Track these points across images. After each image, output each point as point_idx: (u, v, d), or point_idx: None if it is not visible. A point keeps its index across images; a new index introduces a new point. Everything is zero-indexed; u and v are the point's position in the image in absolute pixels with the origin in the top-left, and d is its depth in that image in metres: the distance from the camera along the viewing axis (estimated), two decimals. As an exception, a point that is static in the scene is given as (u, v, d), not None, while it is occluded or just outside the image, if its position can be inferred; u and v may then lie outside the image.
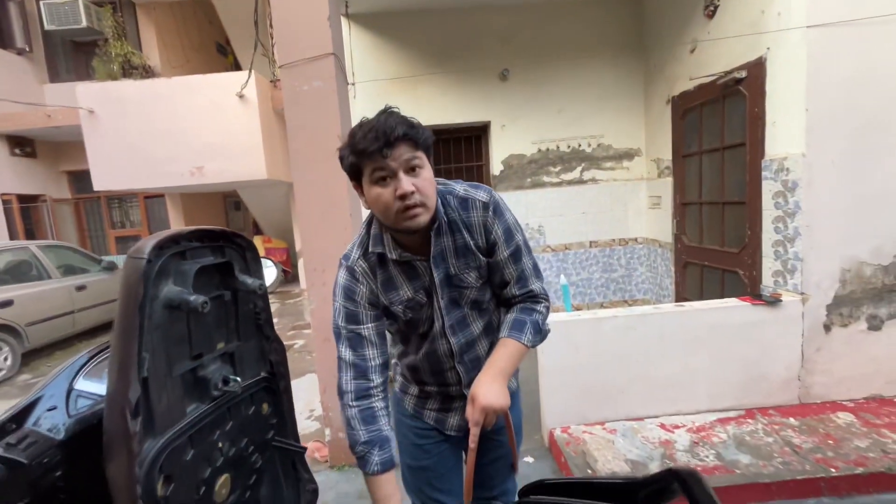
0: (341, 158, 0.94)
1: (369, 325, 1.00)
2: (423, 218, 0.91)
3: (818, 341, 2.45)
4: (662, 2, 3.65)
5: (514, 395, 1.16)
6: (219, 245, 0.83)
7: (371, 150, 0.85)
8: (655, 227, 3.99)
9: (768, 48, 2.51)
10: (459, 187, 1.04)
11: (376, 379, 0.99)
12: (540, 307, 1.08)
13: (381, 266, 1.00)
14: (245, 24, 6.97)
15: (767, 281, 2.64)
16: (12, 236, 7.01)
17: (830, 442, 2.17)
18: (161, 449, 0.70)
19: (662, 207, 3.83)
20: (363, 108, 3.87)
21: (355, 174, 0.93)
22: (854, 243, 2.39)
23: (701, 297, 3.27)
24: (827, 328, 2.46)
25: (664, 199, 3.78)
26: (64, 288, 5.12)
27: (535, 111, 4.02)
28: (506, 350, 1.00)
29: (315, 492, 1.05)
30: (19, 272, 4.80)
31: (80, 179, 7.83)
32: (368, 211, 1.00)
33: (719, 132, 3.03)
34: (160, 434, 0.71)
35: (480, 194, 1.01)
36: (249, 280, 0.88)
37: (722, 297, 2.97)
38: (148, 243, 0.70)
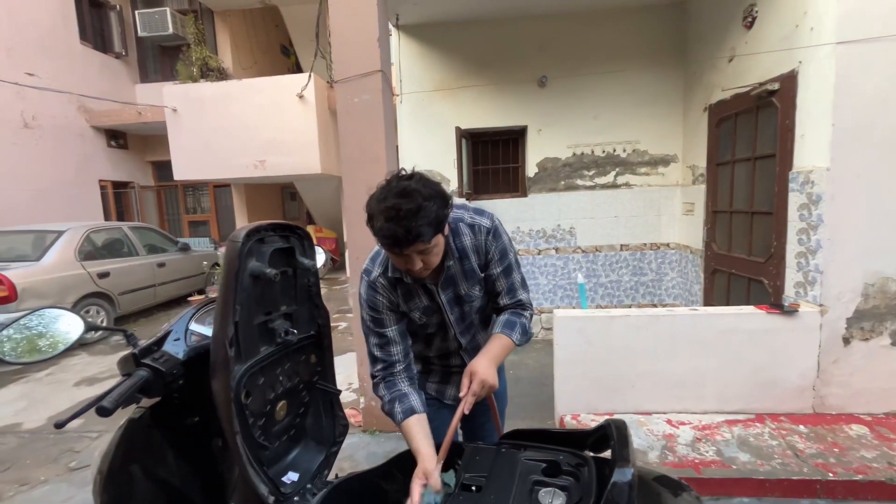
0: (369, 216, 1.03)
1: (392, 327, 1.22)
2: (426, 273, 1.09)
3: (836, 353, 2.48)
4: (704, 10, 3.67)
5: (500, 370, 1.39)
6: (286, 234, 1.15)
7: (386, 245, 1.01)
8: (688, 233, 4.02)
9: (800, 62, 2.54)
10: (467, 215, 1.21)
11: (399, 367, 1.23)
12: (526, 314, 1.29)
13: (400, 283, 1.20)
14: (306, 28, 7.55)
15: (790, 291, 2.68)
16: (107, 217, 8.08)
17: (836, 450, 2.23)
18: (244, 372, 1.04)
19: (695, 214, 3.86)
20: (409, 112, 4.20)
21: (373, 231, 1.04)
22: (878, 258, 2.39)
23: (727, 304, 3.31)
24: (846, 341, 2.48)
25: (697, 206, 3.82)
26: (148, 264, 5.91)
27: (571, 116, 4.16)
28: (499, 342, 1.21)
29: (346, 426, 1.36)
30: (114, 249, 5.61)
31: (162, 169, 8.83)
32: None
33: (752, 142, 3.06)
34: (244, 362, 1.04)
35: (485, 221, 1.21)
36: (306, 261, 1.20)
37: (747, 304, 3.02)
38: (241, 232, 1.03)
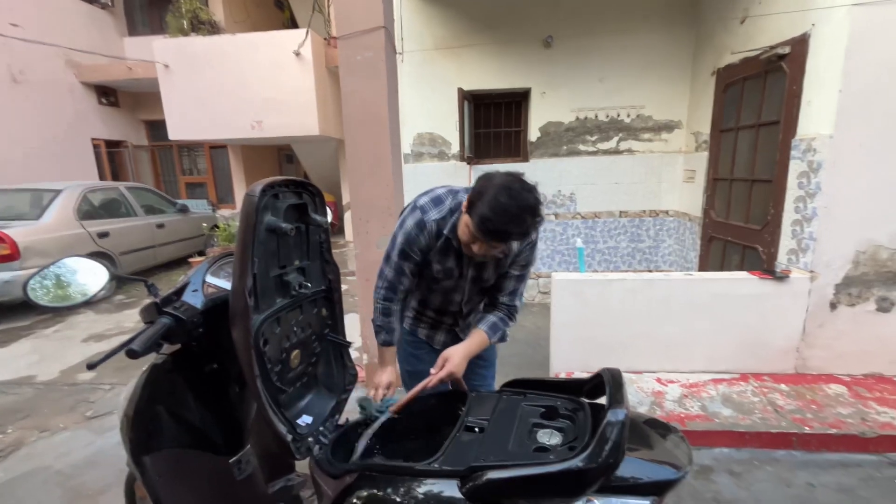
0: (471, 203, 1.14)
1: (412, 265, 1.36)
2: (493, 256, 1.26)
3: (821, 317, 2.58)
4: (719, -33, 3.52)
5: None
6: (299, 191, 1.17)
7: (485, 233, 1.11)
8: (688, 200, 4.04)
9: (813, 24, 2.49)
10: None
11: (399, 296, 1.42)
12: (511, 322, 1.43)
13: (447, 240, 1.32)
14: (302, -20, 7.19)
15: (782, 258, 2.75)
16: (101, 177, 7.97)
17: (814, 406, 2.36)
18: (262, 321, 1.09)
19: (696, 182, 3.87)
20: (410, 72, 4.10)
21: (471, 210, 1.14)
22: (873, 226, 2.44)
23: (721, 271, 3.38)
24: (833, 306, 2.57)
25: (698, 174, 3.82)
26: (147, 225, 5.91)
27: (576, 79, 4.08)
28: (479, 339, 1.35)
29: (355, 375, 1.44)
30: (112, 209, 5.59)
31: (156, 128, 8.63)
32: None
33: (757, 108, 3.03)
34: (261, 312, 1.09)
35: (533, 234, 1.27)
36: (319, 218, 1.23)
37: (741, 271, 3.09)
38: (257, 186, 1.05)
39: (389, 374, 1.41)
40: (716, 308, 2.63)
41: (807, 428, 2.19)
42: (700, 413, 2.35)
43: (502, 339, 1.46)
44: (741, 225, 3.22)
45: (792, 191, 2.64)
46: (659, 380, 2.68)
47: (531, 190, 1.11)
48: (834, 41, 2.34)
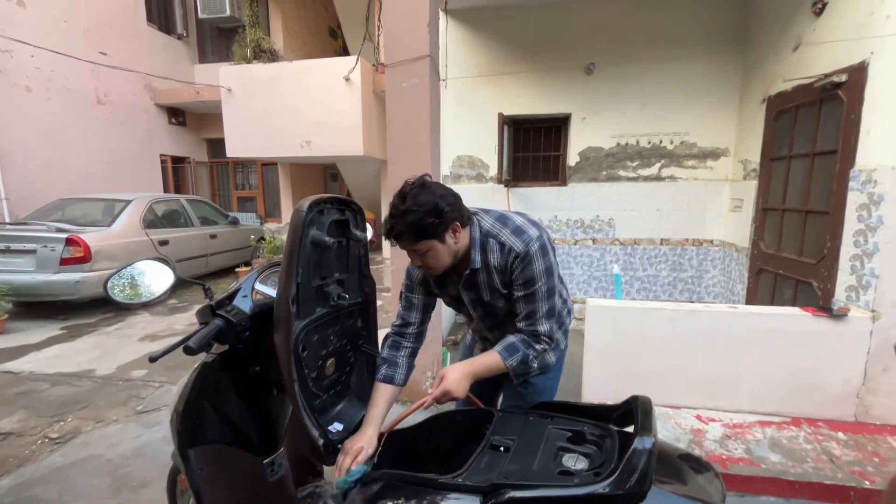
0: None
1: (418, 296, 1.36)
2: (435, 273, 1.24)
3: (885, 361, 2.38)
4: (771, -6, 3.46)
5: (552, 379, 1.46)
6: (342, 207, 1.26)
7: (388, 237, 1.18)
8: (734, 230, 3.88)
9: (872, 52, 2.39)
10: (504, 233, 1.22)
11: (411, 330, 1.36)
12: (538, 346, 1.25)
13: None
14: (355, 11, 7.67)
15: (840, 295, 2.57)
16: (165, 190, 8.66)
17: (875, 459, 2.16)
18: (302, 328, 1.16)
19: (744, 211, 3.71)
20: (453, 97, 4.25)
21: None
22: (944, 265, 2.25)
23: (771, 306, 3.20)
24: (899, 350, 2.36)
25: (746, 203, 3.67)
26: (202, 235, 6.33)
27: (617, 105, 4.07)
28: (490, 359, 1.24)
29: (386, 388, 1.50)
30: (172, 219, 6.04)
31: (216, 146, 9.32)
32: None
33: (812, 137, 2.91)
34: (302, 319, 1.17)
35: (517, 245, 1.19)
36: (359, 233, 1.31)
37: (793, 306, 2.92)
38: (305, 202, 1.14)
39: (363, 438, 1.17)
40: (764, 345, 2.48)
41: (867, 483, 2.00)
42: (744, 456, 2.20)
43: (524, 364, 1.26)
44: (794, 258, 3.05)
45: (851, 223, 2.49)
46: (699, 417, 2.54)
47: (414, 185, 1.13)
48: (895, 69, 2.23)
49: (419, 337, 1.39)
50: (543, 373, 1.41)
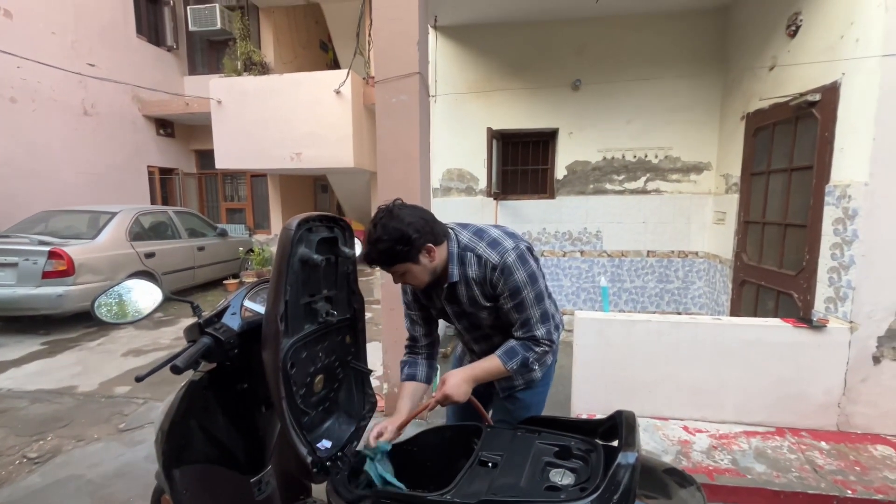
0: None
1: (416, 311, 1.44)
2: (417, 287, 1.30)
3: (864, 371, 2.44)
4: (747, 16, 3.60)
5: (543, 387, 1.48)
6: (331, 225, 1.27)
7: (364, 261, 1.26)
8: (718, 242, 3.97)
9: (843, 73, 2.49)
10: (481, 246, 1.26)
11: (422, 343, 1.46)
12: (537, 349, 1.28)
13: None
14: (346, 24, 7.77)
15: (819, 306, 2.64)
16: (153, 201, 8.57)
17: (857, 468, 2.20)
18: (291, 345, 1.16)
19: (726, 224, 3.81)
20: (442, 112, 4.31)
21: None
22: (917, 277, 2.33)
23: (755, 316, 3.27)
24: (876, 360, 2.43)
25: (729, 216, 3.76)
26: (189, 247, 6.26)
27: (603, 120, 4.17)
28: (490, 364, 1.28)
29: (375, 403, 1.48)
30: (159, 231, 5.98)
31: (205, 157, 9.27)
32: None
33: (789, 153, 3.01)
34: (291, 336, 1.17)
35: (493, 257, 1.22)
36: (347, 250, 1.32)
37: (775, 317, 2.98)
38: (294, 221, 1.15)
39: (389, 422, 1.29)
40: (748, 356, 2.53)
41: (849, 492, 2.04)
42: (730, 467, 2.23)
43: (524, 366, 1.29)
44: (775, 269, 3.13)
45: (827, 237, 2.57)
46: (686, 428, 2.57)
47: (385, 213, 1.20)
48: (865, 90, 2.34)
49: (432, 345, 1.49)
50: (530, 388, 1.43)
